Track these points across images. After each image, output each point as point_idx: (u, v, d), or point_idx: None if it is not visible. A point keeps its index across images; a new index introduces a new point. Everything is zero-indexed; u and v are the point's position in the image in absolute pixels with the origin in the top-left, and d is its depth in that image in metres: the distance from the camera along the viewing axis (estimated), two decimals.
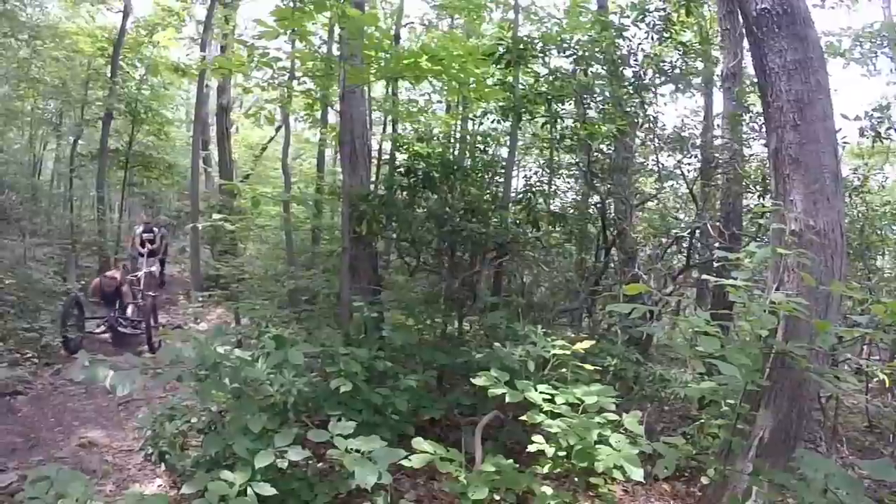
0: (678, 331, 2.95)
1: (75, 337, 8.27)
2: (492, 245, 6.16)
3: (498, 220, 6.32)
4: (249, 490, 3.32)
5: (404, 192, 6.30)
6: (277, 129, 14.63)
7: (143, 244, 11.36)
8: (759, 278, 3.98)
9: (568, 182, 9.84)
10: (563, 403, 3.87)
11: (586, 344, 4.42)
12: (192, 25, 15.31)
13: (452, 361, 5.23)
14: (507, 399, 3.78)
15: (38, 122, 17.60)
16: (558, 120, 7.22)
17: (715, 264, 7.06)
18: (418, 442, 3.67)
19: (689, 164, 7.86)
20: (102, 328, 8.82)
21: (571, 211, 8.93)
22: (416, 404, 4.87)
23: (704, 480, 3.60)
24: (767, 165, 7.70)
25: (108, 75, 14.16)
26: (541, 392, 3.93)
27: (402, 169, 6.38)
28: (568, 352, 4.40)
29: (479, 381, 4.00)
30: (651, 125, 7.64)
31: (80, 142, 16.17)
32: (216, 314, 10.82)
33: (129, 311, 9.12)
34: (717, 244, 7.22)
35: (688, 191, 8.75)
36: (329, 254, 9.85)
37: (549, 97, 6.81)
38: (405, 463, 3.53)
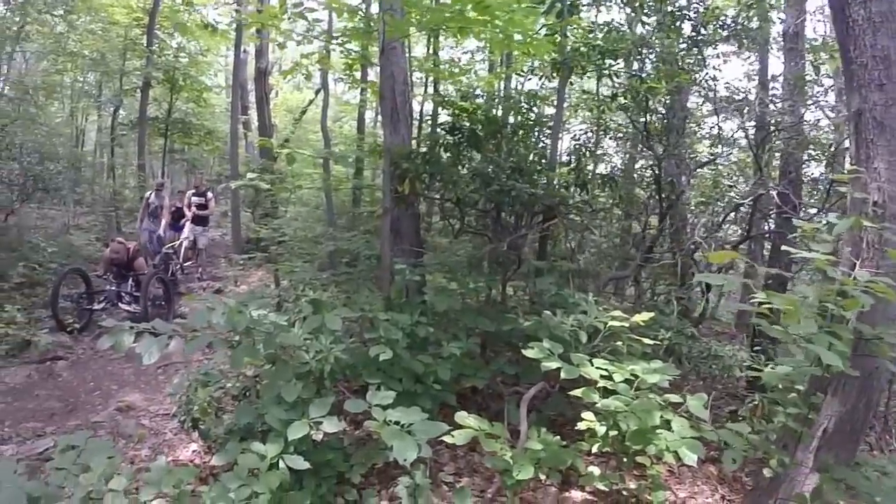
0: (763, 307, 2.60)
1: (81, 314, 7.83)
2: (540, 207, 5.78)
3: (545, 182, 5.93)
4: (281, 463, 3.10)
5: (448, 151, 5.93)
6: (317, 93, 14.38)
7: (191, 208, 11.41)
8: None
9: (617, 144, 9.37)
10: (622, 381, 3.50)
11: (645, 316, 4.03)
12: None
13: (497, 328, 4.91)
14: (563, 375, 3.44)
15: (79, 94, 17.79)
16: (613, 76, 6.74)
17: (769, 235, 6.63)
18: (462, 416, 3.38)
19: (750, 126, 7.26)
20: (101, 305, 8.13)
21: (620, 175, 8.48)
22: (459, 372, 4.59)
23: (767, 473, 3.21)
24: (834, 132, 7.19)
25: (145, 45, 14.12)
26: (597, 367, 3.57)
27: (446, 126, 5.99)
28: (626, 324, 4.03)
29: (530, 352, 3.65)
30: (710, 84, 7.08)
31: (120, 111, 16.39)
32: (257, 277, 10.77)
33: (130, 285, 8.35)
34: (776, 215, 6.73)
35: (743, 156, 8.22)
36: (369, 215, 9.63)
37: (603, 51, 6.32)
38: (447, 438, 3.24)
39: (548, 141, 7.04)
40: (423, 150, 5.87)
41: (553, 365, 3.48)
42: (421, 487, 3.49)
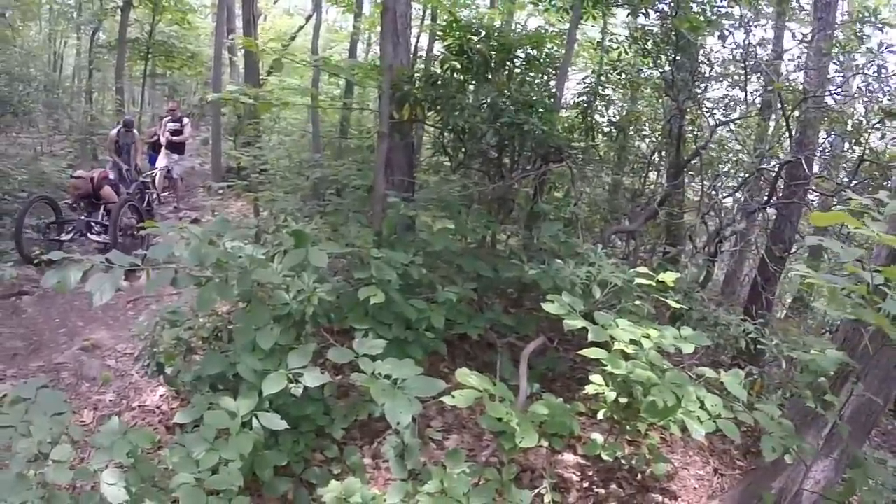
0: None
1: (49, 245, 7.07)
2: (546, 148, 5.29)
3: (552, 123, 5.42)
4: (255, 422, 2.69)
5: (454, 76, 5.36)
6: (308, 18, 13.58)
7: (162, 137, 10.77)
8: None
9: (623, 93, 8.79)
10: (651, 348, 3.08)
11: (672, 276, 3.61)
12: None
13: (496, 275, 4.50)
14: (592, 338, 3.00)
15: (57, 16, 16.84)
16: (645, 12, 6.14)
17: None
18: (464, 374, 2.96)
19: (770, 91, 6.73)
20: (70, 235, 7.53)
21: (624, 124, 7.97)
22: (452, 319, 4.19)
23: (788, 459, 2.90)
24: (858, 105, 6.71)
25: None
26: (623, 329, 3.14)
27: (453, 48, 5.38)
28: (652, 282, 3.60)
29: (550, 307, 3.17)
30: (741, 39, 6.49)
31: (99, 33, 15.55)
32: (236, 208, 10.27)
33: (101, 214, 7.71)
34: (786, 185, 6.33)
35: (752, 122, 7.75)
36: (358, 146, 9.09)
37: None
38: (446, 399, 2.85)
39: (553, 82, 6.50)
40: (428, 72, 5.26)
41: (578, 324, 3.04)
42: (409, 447, 3.14)
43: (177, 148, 10.88)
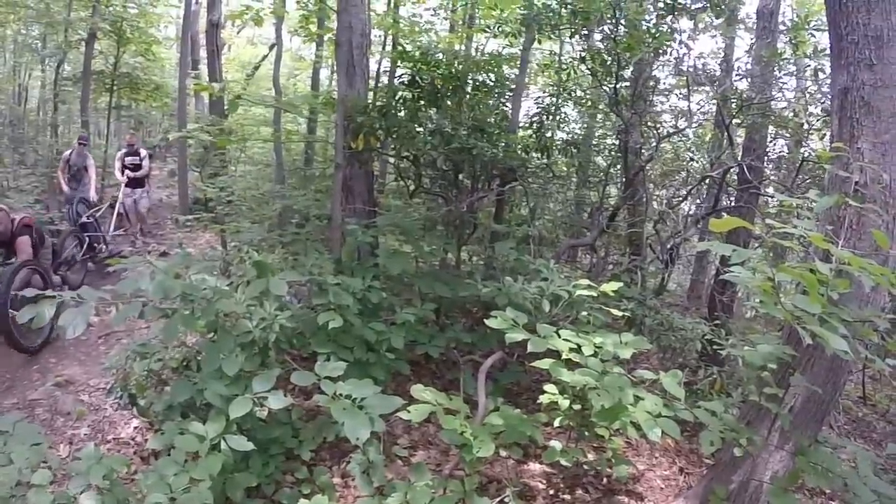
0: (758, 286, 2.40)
1: None
2: (499, 169, 5.53)
3: (506, 144, 5.68)
4: (223, 444, 2.85)
5: (406, 106, 5.59)
6: (271, 48, 13.79)
7: (124, 170, 10.15)
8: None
9: (578, 111, 9.13)
10: (591, 355, 3.31)
11: (613, 285, 3.85)
12: None
13: (454, 294, 4.70)
14: (531, 348, 3.22)
15: (21, 48, 16.67)
16: (584, 37, 6.45)
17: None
18: (418, 390, 3.16)
19: (715, 101, 7.11)
20: None
21: (580, 141, 8.29)
22: (412, 340, 4.39)
23: (738, 452, 3.10)
24: (805, 112, 7.10)
25: None
26: (565, 339, 3.37)
27: (404, 80, 5.61)
28: (594, 293, 3.84)
29: (493, 322, 3.41)
30: (680, 56, 6.85)
31: (64, 66, 15.36)
32: (204, 239, 10.25)
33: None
34: (738, 190, 6.65)
35: (702, 131, 8.11)
36: (321, 174, 9.20)
37: (576, 10, 5.99)
38: (402, 414, 3.03)
39: (509, 105, 6.77)
40: (380, 103, 5.49)
41: (518, 336, 3.27)
42: (374, 464, 3.30)
43: (137, 183, 10.25)
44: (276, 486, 3.54)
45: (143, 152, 10.46)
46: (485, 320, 3.59)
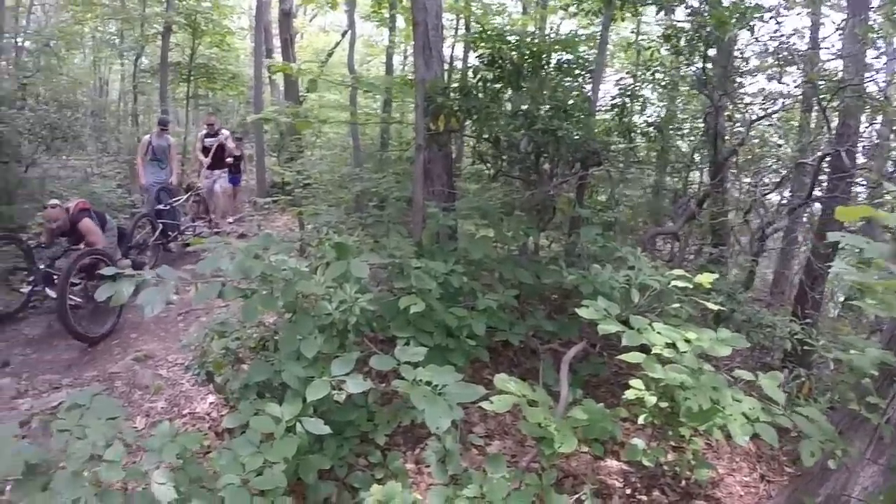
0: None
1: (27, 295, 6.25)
2: (584, 151, 5.29)
3: (588, 126, 5.43)
4: (299, 426, 2.78)
5: (485, 87, 5.40)
6: (343, 34, 13.82)
7: (205, 152, 10.20)
8: None
9: (659, 93, 8.71)
10: (684, 351, 3.06)
11: (709, 277, 3.57)
12: None
13: (537, 281, 4.51)
14: (625, 342, 3.02)
15: (100, 44, 17.33)
16: (671, 10, 6.09)
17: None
18: (502, 380, 3.00)
19: (806, 82, 6.56)
20: (27, 290, 6.27)
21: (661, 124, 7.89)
22: (493, 326, 4.21)
23: (832, 464, 2.80)
24: None
25: None
26: (659, 333, 3.13)
27: (484, 59, 5.43)
28: (690, 285, 3.58)
29: (584, 312, 3.19)
30: (771, 34, 6.37)
31: (141, 59, 15.99)
32: (282, 222, 10.34)
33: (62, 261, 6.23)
34: (830, 178, 6.15)
35: (789, 115, 7.56)
36: (398, 158, 9.16)
37: None
38: (485, 404, 2.88)
39: (587, 86, 6.49)
40: (459, 84, 5.32)
41: (612, 328, 3.05)
42: (450, 452, 3.18)
43: (219, 164, 10.29)
44: (349, 468, 3.47)
45: (226, 132, 10.40)
46: (568, 308, 3.40)
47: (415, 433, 3.93)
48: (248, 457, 2.60)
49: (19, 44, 13.87)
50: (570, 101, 5.37)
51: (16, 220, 8.14)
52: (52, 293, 5.88)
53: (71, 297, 5.68)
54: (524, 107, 5.02)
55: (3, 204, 8.25)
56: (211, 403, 4.51)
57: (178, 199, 9.12)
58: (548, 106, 5.05)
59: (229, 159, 10.50)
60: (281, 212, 9.71)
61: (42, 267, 6.14)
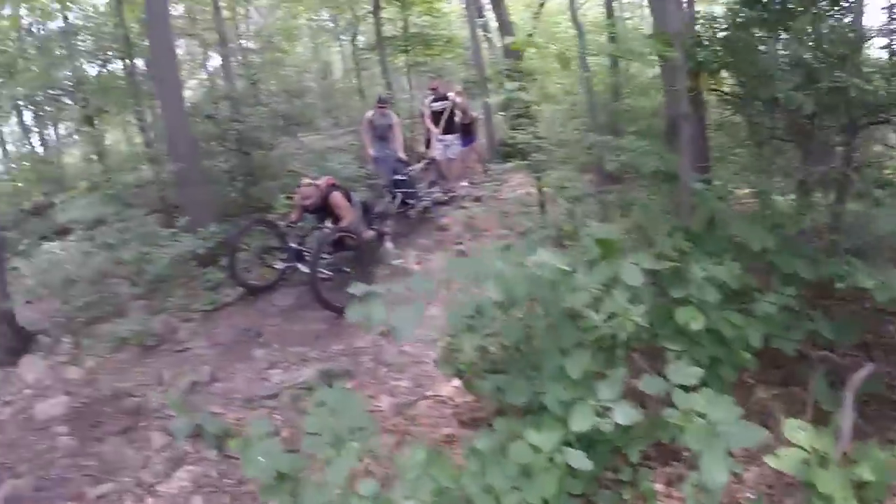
0: None
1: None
2: (878, 110, 4.18)
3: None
4: (558, 457, 2.51)
5: (746, 32, 4.39)
6: None
7: (435, 119, 9.93)
8: None
9: None
10: None
11: None
12: None
13: (820, 275, 3.64)
14: None
15: (316, 31, 19.01)
16: None
17: None
18: (792, 427, 2.46)
19: None
20: (282, 266, 6.84)
21: None
22: (767, 333, 3.48)
23: None
24: None
25: None
26: None
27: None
28: None
29: None
30: None
31: (359, 38, 17.12)
32: (516, 181, 9.96)
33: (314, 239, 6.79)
34: None
35: None
36: (633, 111, 8.41)
37: None
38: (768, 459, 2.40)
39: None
40: (722, 34, 4.44)
41: None
42: (712, 493, 2.69)
43: (451, 129, 9.97)
44: (597, 484, 3.17)
45: (452, 94, 10.14)
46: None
47: (669, 449, 3.44)
48: (505, 494, 2.42)
49: (244, 45, 15.96)
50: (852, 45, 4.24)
51: (263, 200, 8.96)
52: (303, 268, 6.42)
53: (321, 270, 6.13)
54: (805, 56, 4.07)
55: (250, 186, 9.15)
56: (454, 387, 4.47)
57: (414, 168, 9.27)
58: (824, 53, 4.04)
59: (464, 121, 10.24)
60: (513, 171, 9.46)
61: (294, 245, 6.69)
